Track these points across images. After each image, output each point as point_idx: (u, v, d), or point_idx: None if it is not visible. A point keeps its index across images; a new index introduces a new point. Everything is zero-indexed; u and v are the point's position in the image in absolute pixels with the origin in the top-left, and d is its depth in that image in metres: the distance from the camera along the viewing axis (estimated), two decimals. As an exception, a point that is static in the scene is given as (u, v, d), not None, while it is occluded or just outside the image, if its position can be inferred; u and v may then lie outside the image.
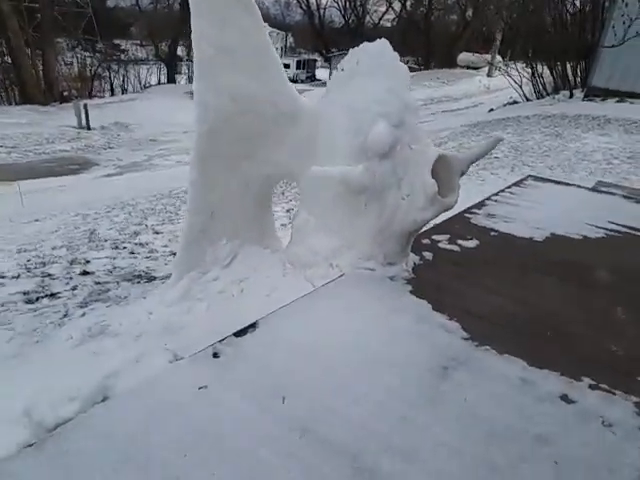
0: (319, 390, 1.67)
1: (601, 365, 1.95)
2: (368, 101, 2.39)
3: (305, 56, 42.30)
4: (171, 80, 27.61)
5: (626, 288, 2.65)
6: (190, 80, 28.55)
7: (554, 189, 4.47)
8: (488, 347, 2.01)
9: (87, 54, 24.00)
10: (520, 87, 14.56)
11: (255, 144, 2.64)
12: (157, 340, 2.27)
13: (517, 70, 14.37)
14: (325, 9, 45.50)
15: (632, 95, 12.11)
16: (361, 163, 2.40)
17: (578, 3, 13.73)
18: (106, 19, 27.26)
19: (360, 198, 2.46)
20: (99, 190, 8.41)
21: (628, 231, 3.50)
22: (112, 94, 23.40)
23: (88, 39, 23.40)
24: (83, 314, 2.65)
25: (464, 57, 33.20)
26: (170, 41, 28.51)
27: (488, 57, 25.54)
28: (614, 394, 1.78)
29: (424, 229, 3.14)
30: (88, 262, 3.58)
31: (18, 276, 3.28)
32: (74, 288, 3.06)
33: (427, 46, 37.00)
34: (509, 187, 4.41)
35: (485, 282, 2.61)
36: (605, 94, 12.46)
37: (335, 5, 45.01)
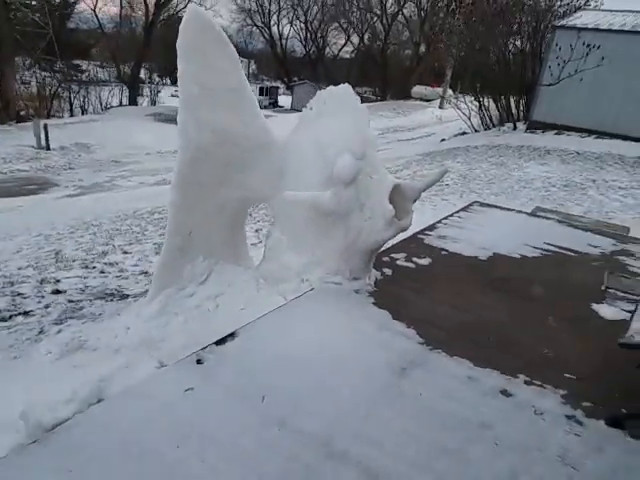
0: (294, 389, 1.89)
1: (535, 365, 2.27)
2: (334, 137, 2.69)
3: (268, 83, 43.15)
4: (133, 102, 27.35)
5: (557, 300, 3.04)
6: (153, 102, 28.44)
7: (497, 214, 4.95)
8: (440, 350, 2.30)
9: (46, 74, 23.50)
10: (469, 119, 15.58)
11: (231, 171, 2.88)
12: (135, 353, 2.41)
13: (465, 103, 15.39)
14: (287, 39, 46.96)
15: (568, 128, 13.29)
16: (328, 190, 2.68)
17: (519, 44, 14.99)
18: (67, 40, 26.87)
19: (328, 220, 2.74)
20: (60, 211, 8.29)
21: (561, 251, 3.96)
22: (72, 114, 22.91)
23: (47, 59, 22.96)
24: (59, 331, 2.74)
25: (417, 90, 34.94)
26: (133, 63, 28.42)
27: (440, 90, 27.04)
28: (545, 388, 2.09)
29: (384, 248, 3.45)
30: (58, 281, 3.64)
31: (-13, 295, 3.30)
32: (47, 306, 3.13)
33: (383, 78, 38.71)
34: (457, 212, 4.83)
35: (437, 295, 2.92)
36: (544, 127, 13.60)
37: (296, 36, 46.52)
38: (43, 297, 3.30)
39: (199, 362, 1.95)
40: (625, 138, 12.29)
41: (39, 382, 2.03)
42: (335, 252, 2.77)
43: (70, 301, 3.24)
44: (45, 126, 14.19)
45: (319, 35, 46.87)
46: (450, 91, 25.03)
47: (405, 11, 38.95)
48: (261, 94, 36.20)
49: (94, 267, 4.10)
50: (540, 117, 13.81)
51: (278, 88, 39.17)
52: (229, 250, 3.07)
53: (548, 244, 4.06)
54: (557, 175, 8.58)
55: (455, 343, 2.37)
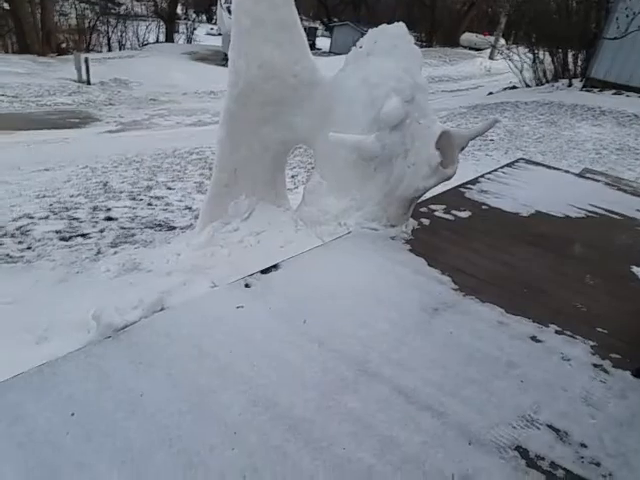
0: (332, 316, 2.02)
1: (567, 316, 2.31)
2: (384, 77, 2.67)
3: (306, 23, 41.47)
4: (169, 39, 27.02)
5: (596, 260, 3.02)
6: (189, 40, 28.01)
7: (543, 172, 4.82)
8: (473, 297, 2.37)
9: (85, 5, 23.36)
10: (520, 72, 14.70)
11: (276, 110, 2.91)
12: (186, 277, 2.60)
13: (519, 55, 14.48)
14: (329, -24, 44.49)
15: (628, 88, 12.40)
16: (373, 133, 2.69)
17: (585, -9, 13.79)
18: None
19: (370, 164, 2.77)
20: (103, 145, 8.54)
21: (606, 214, 3.87)
22: (109, 49, 22.93)
23: (86, -10, 22.78)
24: (115, 252, 2.96)
25: (467, 37, 32.83)
26: (170, -1, 27.81)
27: (491, 39, 25.42)
28: (575, 338, 2.14)
29: (423, 199, 3.46)
30: (109, 209, 3.86)
31: (47, 217, 3.54)
32: (102, 231, 3.35)
33: (431, 23, 36.50)
34: (502, 167, 4.74)
35: (474, 247, 2.95)
36: (603, 85, 12.72)
37: (340, -27, 43.94)
38: (97, 222, 3.52)
39: (247, 286, 2.10)
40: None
41: (104, 292, 2.23)
42: (375, 198, 2.82)
43: (122, 228, 3.45)
44: (86, 60, 14.30)
45: (365, -27, 44.14)
46: (503, 40, 23.52)
47: (461, -51, 35.99)
48: (300, 36, 34.75)
49: (141, 199, 4.30)
50: (599, 75, 12.87)
51: (317, 29, 37.48)
52: (270, 191, 3.16)
53: (594, 206, 3.96)
54: (610, 138, 8.15)
55: (488, 290, 2.43)
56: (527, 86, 14.76)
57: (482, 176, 4.38)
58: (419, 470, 1.39)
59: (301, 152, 6.65)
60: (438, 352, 1.90)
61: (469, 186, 4.06)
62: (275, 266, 2.33)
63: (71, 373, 1.54)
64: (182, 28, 29.01)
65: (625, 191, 4.64)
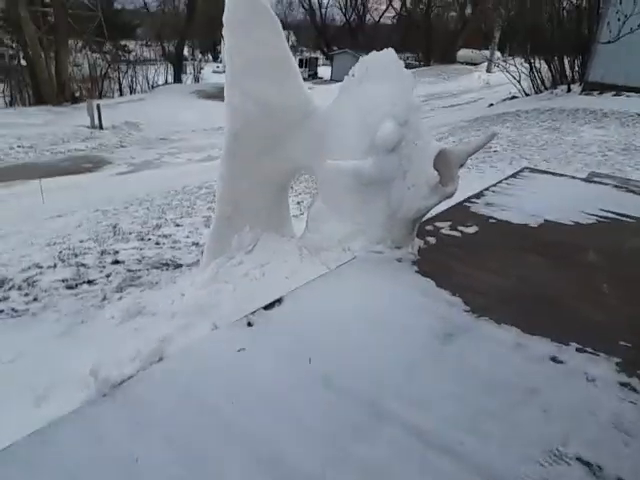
0: (338, 350, 1.95)
1: (587, 331, 2.21)
2: (377, 103, 2.66)
3: (307, 54, 42.58)
4: (177, 80, 28.02)
5: (613, 267, 2.92)
6: (196, 79, 28.98)
7: (549, 180, 4.74)
8: (487, 318, 2.28)
9: (96, 55, 24.38)
10: (519, 82, 14.78)
11: (274, 142, 2.93)
12: (190, 318, 2.56)
13: (515, 66, 14.58)
14: (327, 8, 46.03)
15: (628, 89, 12.34)
16: (370, 157, 2.67)
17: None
18: (114, 21, 27.61)
19: (370, 188, 2.73)
20: (115, 187, 8.71)
21: (617, 217, 3.76)
22: (121, 94, 23.82)
23: (97, 41, 23.78)
24: (120, 297, 2.94)
25: (463, 53, 33.40)
26: (177, 42, 28.92)
27: (487, 53, 25.70)
28: (598, 355, 2.03)
29: (428, 216, 3.41)
30: (117, 252, 3.87)
31: (55, 266, 3.56)
32: (108, 275, 3.34)
33: (427, 43, 37.17)
34: (506, 178, 4.67)
35: (484, 263, 2.87)
36: (602, 88, 12.69)
37: (336, 4, 45.33)
38: (104, 267, 3.52)
39: (249, 325, 2.04)
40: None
41: (105, 343, 2.20)
42: (377, 220, 2.77)
43: (129, 270, 3.44)
44: (98, 106, 14.81)
45: (359, 1, 45.44)
46: (498, 53, 23.75)
47: (450, -30, 36.89)
48: (300, 66, 35.80)
49: (149, 239, 4.32)
50: (597, 78, 12.87)
51: (317, 59, 38.56)
52: (273, 220, 3.15)
53: (604, 210, 3.86)
54: (615, 139, 8.06)
55: (502, 309, 2.35)
56: (526, 95, 14.81)
57: (487, 189, 4.32)
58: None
59: (307, 178, 6.68)
60: (452, 383, 1.81)
61: (474, 200, 4.00)
62: (279, 300, 2.27)
63: (62, 441, 1.46)
64: (189, 68, 30.08)
65: (634, 192, 4.53)
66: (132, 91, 24.13)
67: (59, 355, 2.22)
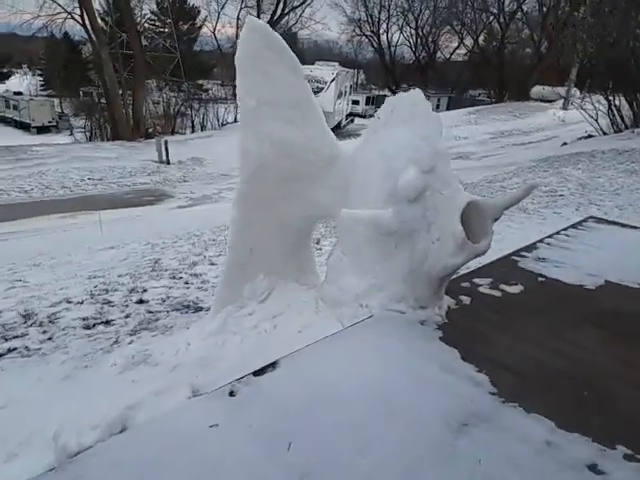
0: (327, 435, 1.68)
1: (642, 432, 1.78)
2: (400, 147, 2.45)
3: (375, 92, 43.32)
4: (246, 118, 29.39)
5: (689, 347, 2.40)
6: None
7: (616, 232, 4.16)
8: (515, 404, 1.90)
9: (173, 94, 26.34)
10: (596, 120, 13.82)
11: (296, 185, 2.80)
12: (190, 372, 2.40)
13: (592, 103, 13.68)
14: (396, 47, 46.84)
15: None
16: (391, 206, 2.43)
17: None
18: (191, 62, 29.91)
19: (390, 240, 2.48)
20: (171, 220, 9.05)
21: (701, 282, 3.17)
22: (193, 131, 25.35)
23: (175, 80, 25.77)
24: (131, 342, 2.87)
25: (537, 90, 32.26)
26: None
27: (562, 90, 24.55)
28: (655, 467, 1.61)
29: (465, 271, 3.07)
30: (145, 291, 3.87)
31: (82, 302, 3.61)
32: (127, 316, 3.31)
33: (500, 79, 36.41)
34: (565, 229, 4.17)
35: (524, 332, 2.48)
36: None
37: (406, 43, 46.11)
38: (127, 306, 3.52)
39: (231, 394, 1.84)
40: None
41: (89, 398, 2.09)
42: (399, 276, 2.50)
43: (149, 312, 3.40)
44: (165, 142, 15.81)
45: (430, 40, 45.86)
46: (576, 90, 22.59)
47: (525, 7, 36.20)
48: (367, 103, 36.34)
49: (180, 277, 4.31)
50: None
51: (385, 96, 38.93)
52: (291, 268, 2.97)
53: (683, 272, 3.28)
54: None
55: (536, 394, 1.96)
56: (604, 134, 13.80)
57: (541, 240, 3.86)
58: None
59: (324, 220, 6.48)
60: (456, 492, 1.48)
61: (523, 253, 3.57)
62: (273, 364, 2.05)
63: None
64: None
65: None
66: (203, 128, 25.60)
67: (50, 405, 2.14)
